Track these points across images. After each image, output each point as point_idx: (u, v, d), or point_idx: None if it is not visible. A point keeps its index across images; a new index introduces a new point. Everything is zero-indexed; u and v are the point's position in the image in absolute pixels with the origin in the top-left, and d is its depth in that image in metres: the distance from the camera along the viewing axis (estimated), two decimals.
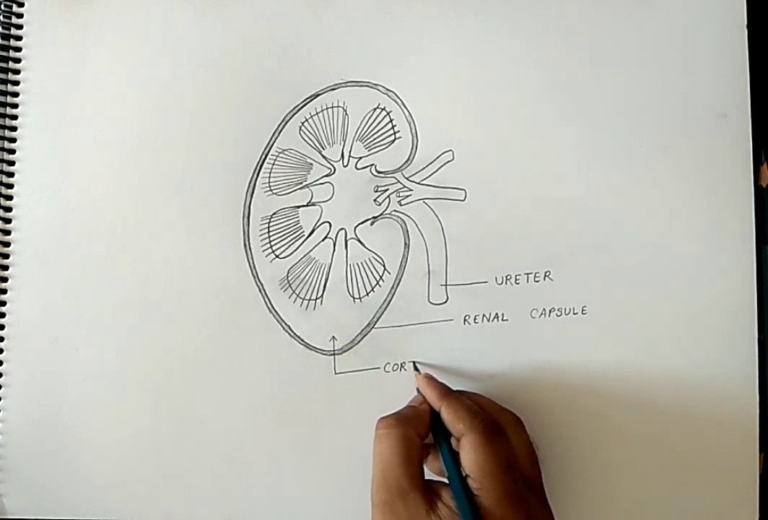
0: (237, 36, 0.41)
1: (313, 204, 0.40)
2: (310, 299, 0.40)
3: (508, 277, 0.39)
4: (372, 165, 0.40)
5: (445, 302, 0.39)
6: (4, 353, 0.40)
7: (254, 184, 0.40)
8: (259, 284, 0.40)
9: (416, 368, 0.38)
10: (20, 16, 0.42)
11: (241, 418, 0.39)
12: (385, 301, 0.39)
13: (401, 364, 0.39)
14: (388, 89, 0.40)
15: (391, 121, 0.40)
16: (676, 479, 0.37)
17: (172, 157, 0.41)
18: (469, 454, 0.32)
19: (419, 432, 0.33)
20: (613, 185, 0.38)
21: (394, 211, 0.40)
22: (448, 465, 0.33)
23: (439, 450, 0.33)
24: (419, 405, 0.35)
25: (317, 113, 0.40)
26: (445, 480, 0.33)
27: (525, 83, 0.39)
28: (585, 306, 0.38)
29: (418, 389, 0.36)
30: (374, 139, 0.40)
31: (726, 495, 0.37)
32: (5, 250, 0.41)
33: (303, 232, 0.40)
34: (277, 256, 0.40)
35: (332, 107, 0.40)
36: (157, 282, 0.40)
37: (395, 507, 0.32)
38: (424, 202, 0.40)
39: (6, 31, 0.42)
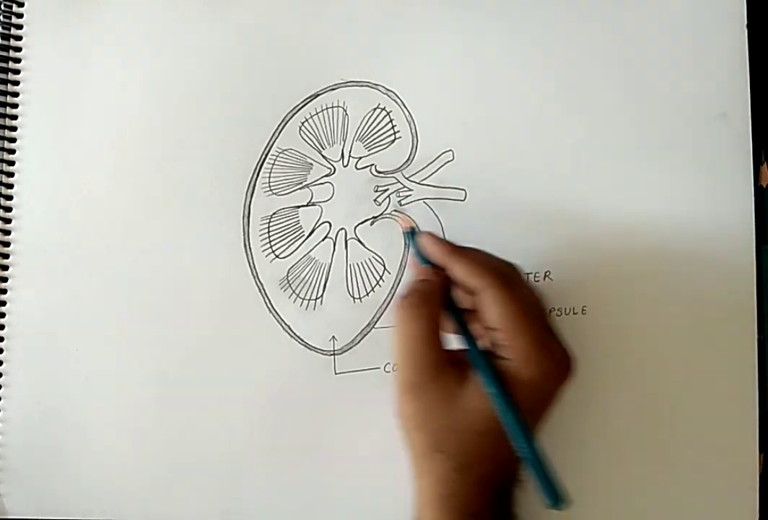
0: (237, 36, 0.41)
1: (313, 204, 0.40)
2: (310, 299, 0.40)
3: None
4: (372, 165, 0.40)
5: None
6: (4, 353, 0.40)
7: (254, 184, 0.40)
8: (259, 283, 0.40)
9: (399, 212, 0.36)
10: (20, 16, 0.42)
11: (241, 418, 0.39)
12: (385, 301, 0.39)
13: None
14: (388, 89, 0.40)
15: (391, 121, 0.40)
16: (676, 479, 0.37)
17: (172, 157, 0.41)
18: (493, 308, 0.31)
19: (439, 307, 0.33)
20: (613, 185, 0.38)
21: (394, 211, 0.40)
22: (465, 334, 0.32)
23: (456, 323, 0.33)
24: (431, 277, 0.33)
25: (317, 113, 0.40)
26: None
27: (525, 83, 0.39)
28: (585, 306, 0.38)
29: (408, 236, 0.35)
30: (374, 139, 0.40)
31: (726, 495, 0.37)
32: (5, 250, 0.41)
33: (303, 232, 0.40)
34: (277, 256, 0.40)
35: (332, 107, 0.40)
36: (157, 282, 0.40)
37: (428, 387, 0.31)
38: (424, 202, 0.40)
39: (6, 31, 0.42)
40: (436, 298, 0.33)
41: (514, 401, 0.30)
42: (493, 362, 0.31)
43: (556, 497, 0.30)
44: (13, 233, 0.41)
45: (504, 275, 0.32)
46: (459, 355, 0.32)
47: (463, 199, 0.39)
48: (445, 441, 0.31)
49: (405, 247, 0.39)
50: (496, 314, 0.31)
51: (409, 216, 0.37)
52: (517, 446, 0.30)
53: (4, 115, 0.41)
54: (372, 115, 0.40)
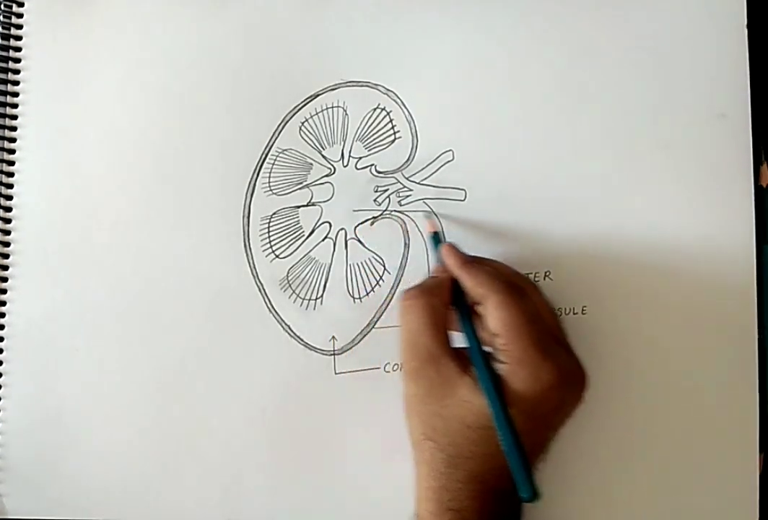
0: (237, 36, 0.41)
1: (313, 204, 0.40)
2: (310, 299, 0.40)
3: None
4: (372, 165, 0.40)
5: None
6: (4, 353, 0.40)
7: (254, 184, 0.40)
8: (259, 283, 0.40)
9: (430, 217, 0.37)
10: (20, 16, 0.42)
11: (241, 418, 0.39)
12: (385, 301, 0.39)
13: (401, 364, 0.39)
14: (388, 89, 0.40)
15: (391, 121, 0.40)
16: (676, 478, 0.37)
17: (172, 157, 0.41)
18: (493, 313, 0.31)
19: (443, 300, 0.33)
20: (613, 185, 0.38)
21: (394, 211, 0.40)
22: (467, 332, 0.33)
23: (460, 318, 0.33)
24: (440, 274, 0.35)
25: (317, 113, 0.40)
26: None
27: (525, 83, 0.39)
28: (585, 306, 0.38)
29: (433, 239, 0.37)
30: (374, 139, 0.40)
31: (726, 495, 0.37)
32: (5, 250, 0.41)
33: (303, 232, 0.40)
34: (277, 256, 0.40)
35: (332, 107, 0.40)
36: (157, 282, 0.40)
37: (427, 372, 0.32)
38: (424, 202, 0.40)
39: (6, 31, 0.42)
40: (439, 291, 0.34)
41: (502, 397, 0.30)
42: (491, 363, 0.32)
43: (529, 490, 0.30)
44: (13, 233, 0.41)
45: (511, 284, 0.33)
46: (463, 352, 0.33)
47: (463, 199, 0.39)
48: (435, 429, 0.32)
49: (405, 248, 0.39)
50: (495, 319, 0.31)
51: (436, 219, 0.37)
52: (499, 437, 0.30)
53: (4, 115, 0.41)
54: (372, 115, 0.40)
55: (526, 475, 0.30)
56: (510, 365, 0.31)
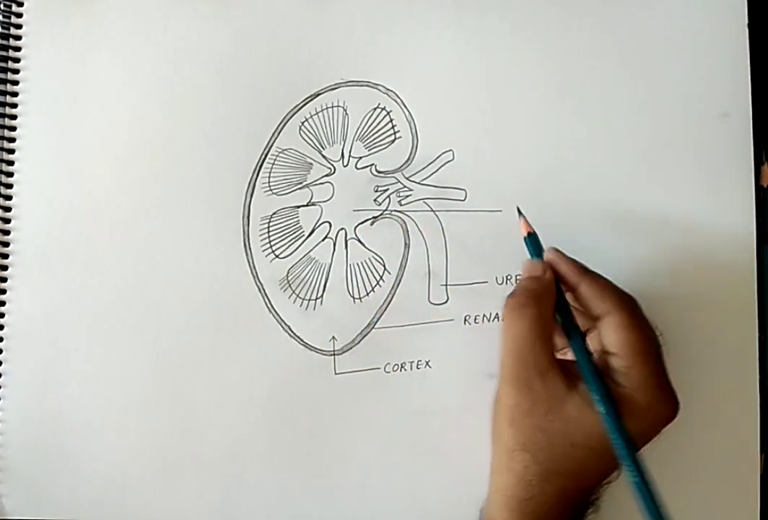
0: (237, 36, 0.41)
1: (313, 204, 0.40)
2: (310, 299, 0.40)
3: (508, 277, 0.39)
4: (372, 165, 0.40)
5: (445, 302, 0.39)
6: (4, 353, 0.40)
7: (254, 184, 0.40)
8: (258, 284, 0.40)
9: (522, 215, 0.35)
10: (20, 16, 0.42)
11: (241, 418, 0.39)
12: (385, 301, 0.39)
13: (401, 364, 0.39)
14: (388, 89, 0.40)
15: (391, 121, 0.40)
16: (676, 478, 0.37)
17: (172, 157, 0.41)
18: (617, 333, 0.30)
19: (551, 309, 0.32)
20: (614, 185, 0.38)
21: (394, 211, 0.40)
22: (578, 350, 0.31)
23: (569, 332, 0.32)
24: (543, 275, 0.33)
25: (317, 113, 0.40)
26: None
27: (525, 83, 0.39)
28: None
29: (528, 240, 0.34)
30: (374, 139, 0.40)
31: (726, 495, 0.37)
32: (5, 250, 0.41)
33: (303, 232, 0.40)
34: (277, 256, 0.40)
35: (332, 107, 0.40)
36: (157, 282, 0.40)
37: (534, 385, 0.31)
38: (424, 202, 0.39)
39: (6, 31, 0.42)
40: (545, 297, 0.32)
41: (623, 422, 0.30)
42: (603, 379, 0.31)
43: None
44: (13, 233, 0.41)
45: (629, 302, 0.32)
46: (568, 364, 0.32)
47: (463, 199, 0.39)
48: (535, 442, 0.31)
49: (405, 248, 0.39)
50: (618, 339, 0.30)
51: (527, 220, 0.35)
52: (625, 468, 0.30)
53: (3, 115, 0.41)
54: (372, 114, 0.40)
55: (658, 509, 0.29)
56: (629, 390, 0.30)
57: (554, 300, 0.32)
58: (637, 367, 0.30)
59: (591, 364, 0.31)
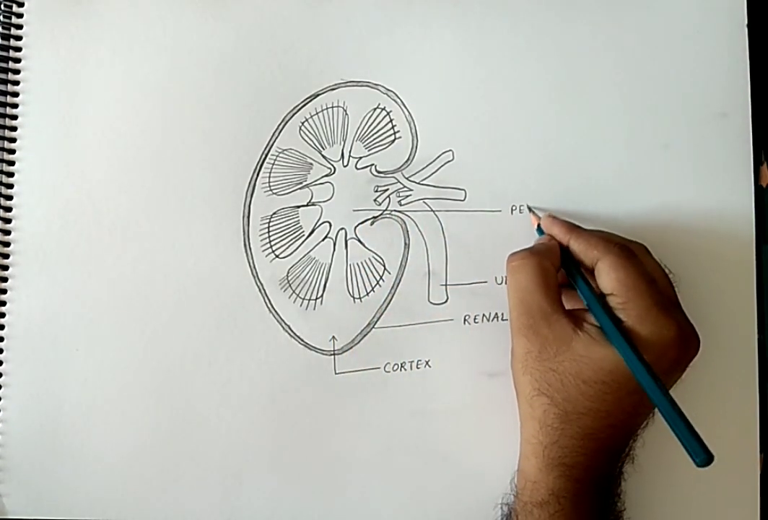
0: (237, 36, 0.41)
1: (313, 204, 0.40)
2: (310, 299, 0.40)
3: None
4: (372, 165, 0.40)
5: (445, 302, 0.39)
6: (4, 353, 0.40)
7: (254, 184, 0.40)
8: (259, 283, 0.40)
9: (531, 211, 0.38)
10: (20, 16, 0.42)
11: (241, 418, 0.39)
12: (385, 301, 0.39)
13: (401, 364, 0.39)
14: (388, 89, 0.40)
15: (391, 121, 0.40)
16: (676, 478, 0.37)
17: (172, 157, 0.41)
18: (609, 274, 0.32)
19: (554, 263, 0.34)
20: (614, 185, 0.38)
21: (394, 211, 0.40)
22: (584, 289, 0.33)
23: (574, 279, 0.34)
24: (548, 241, 0.35)
25: (317, 113, 0.40)
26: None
27: (525, 83, 0.39)
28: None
29: (539, 230, 0.37)
30: (374, 139, 0.40)
31: (726, 495, 0.37)
32: (5, 250, 0.41)
33: (303, 232, 0.40)
34: (277, 256, 0.40)
35: (332, 107, 0.40)
36: (157, 282, 0.40)
37: (540, 330, 0.32)
38: (424, 202, 0.40)
39: (6, 31, 0.42)
40: (548, 254, 0.34)
41: (635, 347, 0.30)
42: (613, 315, 0.32)
43: (701, 453, 0.28)
44: (13, 233, 0.41)
45: (623, 247, 0.33)
46: (574, 311, 0.33)
47: (463, 199, 0.39)
48: (549, 384, 0.32)
49: (405, 248, 0.39)
50: (612, 279, 0.32)
51: (536, 213, 0.38)
52: (652, 400, 0.30)
53: (4, 115, 0.41)
54: (372, 115, 0.40)
55: (694, 438, 0.29)
56: (629, 323, 0.31)
57: (555, 254, 0.34)
58: (631, 301, 0.31)
59: (594, 296, 0.32)
